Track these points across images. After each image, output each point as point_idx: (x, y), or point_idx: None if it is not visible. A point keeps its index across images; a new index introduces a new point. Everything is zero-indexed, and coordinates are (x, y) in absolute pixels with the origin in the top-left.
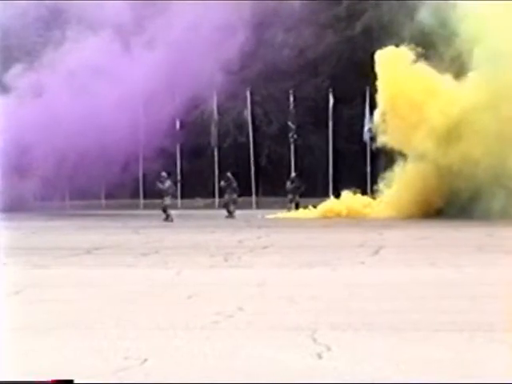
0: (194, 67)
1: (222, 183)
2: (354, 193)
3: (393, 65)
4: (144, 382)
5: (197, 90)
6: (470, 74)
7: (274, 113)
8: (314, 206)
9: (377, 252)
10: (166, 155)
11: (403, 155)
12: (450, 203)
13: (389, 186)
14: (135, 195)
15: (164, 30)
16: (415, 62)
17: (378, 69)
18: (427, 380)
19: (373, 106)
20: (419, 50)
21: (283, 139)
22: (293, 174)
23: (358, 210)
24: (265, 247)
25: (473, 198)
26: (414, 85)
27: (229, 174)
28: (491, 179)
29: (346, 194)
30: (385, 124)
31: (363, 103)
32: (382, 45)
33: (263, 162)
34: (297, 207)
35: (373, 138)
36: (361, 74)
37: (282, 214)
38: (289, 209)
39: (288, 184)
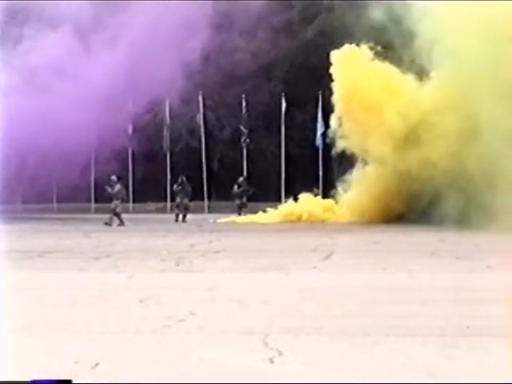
0: (152, 69)
1: (175, 187)
2: (316, 195)
3: (349, 64)
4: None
5: (153, 93)
6: (432, 75)
7: (226, 117)
8: (264, 211)
9: (329, 257)
10: (119, 159)
11: (364, 159)
12: (411, 208)
13: (346, 190)
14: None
15: (124, 29)
16: (373, 60)
17: (333, 70)
18: None
19: (326, 111)
20: (378, 48)
21: (235, 144)
22: (240, 179)
23: (318, 214)
24: (216, 251)
25: (432, 202)
26: (371, 85)
27: (183, 178)
28: (450, 182)
29: (305, 196)
30: (341, 128)
31: (316, 108)
32: (335, 48)
33: (215, 166)
34: (240, 211)
35: (326, 143)
36: (314, 78)
37: (241, 218)
38: (244, 213)
39: (235, 188)
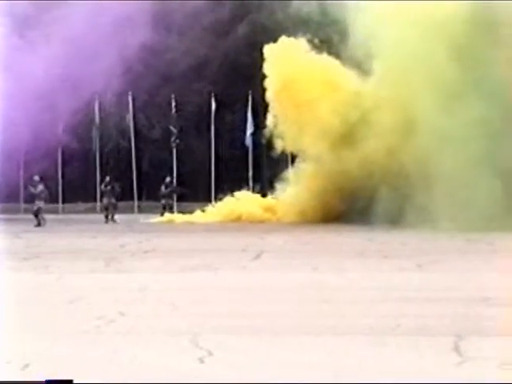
0: (88, 67)
1: (103, 187)
2: (258, 192)
3: (285, 58)
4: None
5: (88, 92)
6: (370, 71)
7: (156, 117)
8: (191, 212)
9: (258, 256)
10: (52, 158)
11: (302, 157)
12: (350, 206)
13: (284, 189)
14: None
15: (61, 25)
16: (311, 52)
17: (267, 65)
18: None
19: (256, 111)
20: (315, 42)
21: (165, 144)
22: (167, 179)
23: (258, 213)
24: (146, 252)
25: (372, 201)
26: (308, 80)
27: (111, 178)
28: (387, 180)
29: (245, 194)
30: (277, 128)
31: (246, 108)
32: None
33: (145, 166)
34: (171, 211)
35: (256, 143)
36: (244, 78)
37: (179, 217)
38: (170, 213)
39: (162, 189)
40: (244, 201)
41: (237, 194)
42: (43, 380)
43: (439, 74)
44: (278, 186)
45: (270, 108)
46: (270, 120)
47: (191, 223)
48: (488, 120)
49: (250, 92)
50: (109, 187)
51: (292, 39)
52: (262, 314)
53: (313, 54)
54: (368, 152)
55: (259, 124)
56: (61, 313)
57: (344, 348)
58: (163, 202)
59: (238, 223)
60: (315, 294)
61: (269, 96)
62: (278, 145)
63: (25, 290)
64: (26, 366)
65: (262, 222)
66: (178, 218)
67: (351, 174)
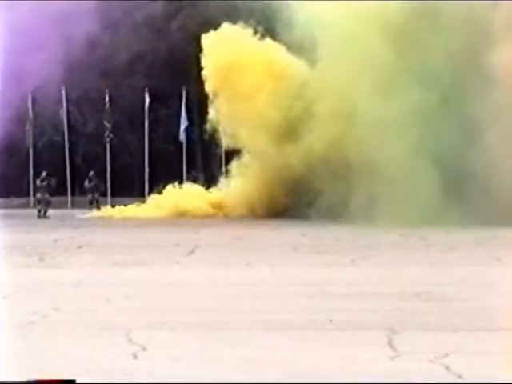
0: (26, 60)
1: (38, 182)
2: (194, 180)
3: (224, 48)
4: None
5: (25, 85)
6: (320, 59)
7: (89, 112)
8: (125, 205)
9: (192, 251)
10: None
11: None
12: (296, 201)
13: (228, 184)
14: None
15: (6, 14)
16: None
17: (205, 56)
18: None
19: (190, 105)
20: (260, 30)
21: (99, 138)
22: (91, 173)
23: (204, 209)
24: (79, 247)
25: (317, 195)
26: (248, 71)
27: (46, 173)
28: (332, 174)
29: (191, 188)
30: (219, 122)
31: (180, 102)
32: (198, 44)
33: (78, 161)
34: (98, 206)
35: (191, 137)
36: (177, 73)
37: (119, 212)
38: (97, 208)
39: (86, 183)
40: (187, 195)
41: (175, 187)
42: (44, 380)
43: (378, 61)
44: (222, 179)
45: (210, 101)
46: (211, 114)
47: (127, 218)
48: (426, 107)
49: (183, 87)
50: (45, 182)
51: (234, 26)
52: (196, 310)
53: (256, 41)
54: (310, 145)
55: (193, 119)
56: None
57: (277, 343)
58: (89, 196)
59: (171, 218)
60: (248, 289)
61: (208, 88)
62: (222, 140)
63: None
64: None
65: (208, 217)
66: (116, 212)
67: (295, 168)
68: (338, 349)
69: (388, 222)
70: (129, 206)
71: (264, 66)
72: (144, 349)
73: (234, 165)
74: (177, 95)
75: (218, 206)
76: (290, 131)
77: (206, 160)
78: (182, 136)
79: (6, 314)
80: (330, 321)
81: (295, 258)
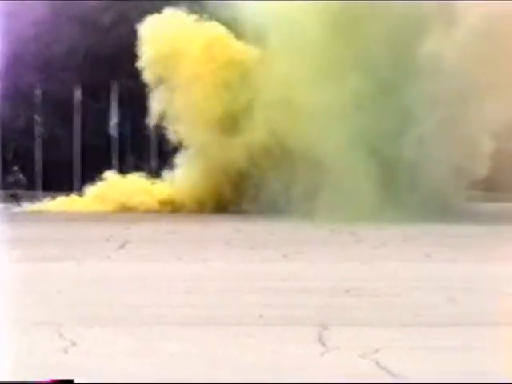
0: None
1: None
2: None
3: (163, 33)
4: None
5: None
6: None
7: (20, 106)
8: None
9: (123, 246)
10: None
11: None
12: (241, 195)
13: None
14: None
15: None
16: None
17: (142, 44)
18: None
19: (121, 100)
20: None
21: (30, 133)
22: (14, 168)
23: (153, 204)
24: (10, 241)
25: (259, 188)
26: (189, 58)
27: None
28: (274, 167)
29: (137, 180)
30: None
31: (110, 97)
32: (130, 38)
33: (9, 156)
34: (18, 201)
35: (122, 132)
36: (109, 67)
37: (54, 206)
38: (17, 203)
39: (9, 178)
40: (133, 188)
41: (111, 176)
42: (44, 380)
43: (317, 49)
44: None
45: (149, 93)
46: (153, 106)
47: (62, 212)
48: (364, 96)
49: (114, 81)
50: None
51: (175, 11)
52: (127, 305)
53: (199, 25)
54: (253, 138)
55: (125, 113)
56: None
57: (208, 338)
58: (11, 192)
59: (98, 212)
60: (179, 285)
61: (148, 78)
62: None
63: None
64: None
65: (157, 212)
66: (53, 206)
67: (237, 161)
68: (269, 344)
69: (326, 217)
70: (70, 197)
71: (206, 52)
72: (74, 344)
73: (179, 158)
74: (108, 89)
75: (166, 201)
76: (231, 123)
77: (142, 153)
78: (112, 130)
79: None
80: (261, 316)
81: (228, 253)
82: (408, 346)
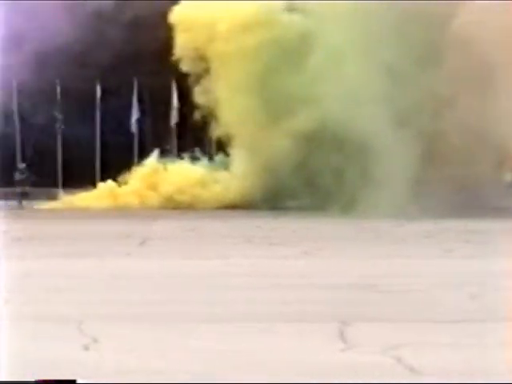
0: None
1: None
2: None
3: (198, 19)
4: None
5: None
6: None
7: (40, 103)
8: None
9: (143, 243)
10: None
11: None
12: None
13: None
14: None
15: None
16: None
17: (178, 33)
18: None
19: (142, 97)
20: None
21: (50, 130)
22: (22, 165)
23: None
24: (30, 238)
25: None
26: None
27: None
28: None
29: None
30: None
31: (131, 94)
32: (151, 34)
33: (30, 152)
34: (23, 199)
35: (142, 129)
36: (129, 63)
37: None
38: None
39: (17, 175)
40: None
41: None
42: (44, 380)
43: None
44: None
45: (192, 84)
46: (199, 98)
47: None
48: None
49: (135, 77)
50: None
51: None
52: (148, 302)
53: (235, 4)
54: (302, 125)
55: (145, 110)
56: None
57: (228, 335)
58: (19, 189)
59: (120, 209)
60: (200, 281)
61: (187, 68)
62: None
63: None
64: None
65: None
66: (80, 201)
67: (285, 153)
68: (288, 340)
69: (367, 211)
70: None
71: (246, 32)
72: (95, 340)
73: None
74: (128, 86)
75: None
76: (276, 111)
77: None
78: (134, 127)
79: None
80: (283, 312)
81: (248, 250)
82: (429, 343)
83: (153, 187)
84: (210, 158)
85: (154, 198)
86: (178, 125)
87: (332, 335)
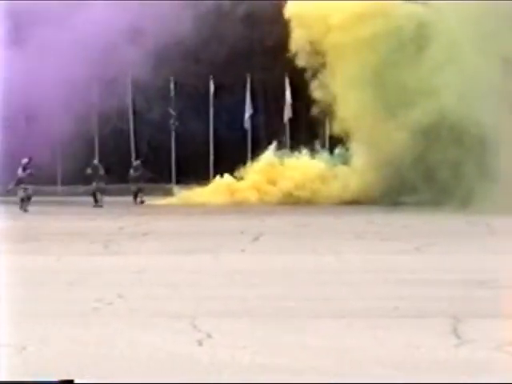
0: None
1: (89, 171)
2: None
3: (315, 11)
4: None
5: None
6: None
7: (154, 99)
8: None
9: (257, 239)
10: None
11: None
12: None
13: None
14: None
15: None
16: None
17: (295, 27)
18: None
19: (255, 93)
20: None
21: (164, 126)
22: (137, 162)
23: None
24: (145, 234)
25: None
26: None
27: (95, 162)
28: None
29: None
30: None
31: (244, 90)
32: (263, 30)
33: (144, 149)
34: (141, 197)
35: (255, 125)
36: (243, 60)
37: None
38: (141, 197)
39: (131, 172)
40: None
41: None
42: (44, 380)
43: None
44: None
45: (310, 79)
46: (317, 94)
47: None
48: None
49: (248, 74)
50: (94, 171)
51: None
52: (260, 297)
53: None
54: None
55: (258, 106)
56: (59, 295)
57: (341, 331)
58: (133, 187)
59: (233, 206)
60: (312, 277)
61: (304, 63)
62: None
63: (23, 271)
64: (24, 348)
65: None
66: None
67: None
68: (402, 336)
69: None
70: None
71: (364, 23)
72: (209, 336)
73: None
74: (242, 82)
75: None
76: (393, 105)
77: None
78: (247, 123)
79: (70, 301)
80: (396, 308)
81: (360, 245)
82: None
83: (272, 182)
84: (331, 152)
85: (273, 194)
86: (291, 120)
87: (445, 331)
